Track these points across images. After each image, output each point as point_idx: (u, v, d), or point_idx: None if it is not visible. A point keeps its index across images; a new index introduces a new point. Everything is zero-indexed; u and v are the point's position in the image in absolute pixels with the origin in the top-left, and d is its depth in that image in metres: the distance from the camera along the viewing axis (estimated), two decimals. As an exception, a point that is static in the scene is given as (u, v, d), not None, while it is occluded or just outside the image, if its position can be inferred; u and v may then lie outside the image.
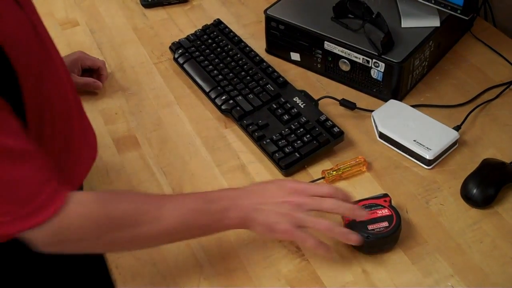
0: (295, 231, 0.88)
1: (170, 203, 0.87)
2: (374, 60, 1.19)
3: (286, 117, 1.16)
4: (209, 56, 1.31)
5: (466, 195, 1.03)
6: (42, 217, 0.77)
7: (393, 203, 0.99)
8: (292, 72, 1.31)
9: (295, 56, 1.31)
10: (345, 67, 1.24)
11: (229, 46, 1.32)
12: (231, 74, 1.26)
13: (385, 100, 1.21)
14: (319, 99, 1.21)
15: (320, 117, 1.14)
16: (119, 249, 0.93)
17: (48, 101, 0.85)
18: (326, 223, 0.89)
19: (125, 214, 0.84)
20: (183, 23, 1.47)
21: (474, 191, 1.02)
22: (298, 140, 1.11)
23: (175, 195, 1.04)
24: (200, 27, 1.40)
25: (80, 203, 0.81)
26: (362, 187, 1.07)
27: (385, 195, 0.99)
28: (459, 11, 1.18)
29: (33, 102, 0.80)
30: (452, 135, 1.11)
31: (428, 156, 1.08)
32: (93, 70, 1.29)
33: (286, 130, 1.13)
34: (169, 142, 1.17)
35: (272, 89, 1.21)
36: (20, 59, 0.76)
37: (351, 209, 0.92)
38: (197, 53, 1.32)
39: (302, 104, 1.18)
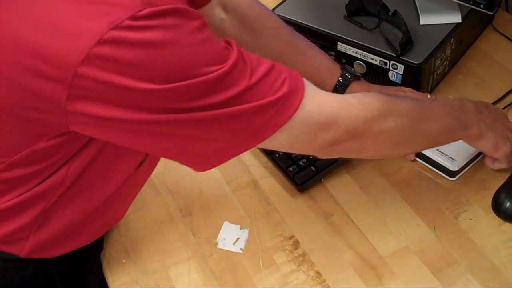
0: None
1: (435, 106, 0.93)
2: (392, 62, 1.11)
3: (299, 126, 1.08)
4: (215, 61, 1.22)
5: (498, 209, 0.96)
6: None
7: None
8: (303, 75, 1.23)
9: (306, 58, 1.23)
10: (360, 69, 1.16)
11: (235, 50, 1.24)
12: (238, 80, 1.17)
13: (405, 104, 1.12)
14: (334, 105, 1.12)
15: (336, 126, 1.06)
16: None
17: None
18: None
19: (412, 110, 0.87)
20: (185, 25, 1.39)
21: (508, 203, 0.94)
22: (313, 152, 1.03)
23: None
24: (204, 29, 1.31)
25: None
26: (384, 201, 0.99)
27: None
28: (482, 6, 1.10)
29: None
30: (479, 142, 1.03)
31: (452, 167, 1.00)
32: None
33: (300, 141, 1.05)
34: (175, 156, 1.10)
35: (283, 95, 1.13)
36: None
37: None
38: (201, 57, 1.24)
39: (316, 111, 1.10)
